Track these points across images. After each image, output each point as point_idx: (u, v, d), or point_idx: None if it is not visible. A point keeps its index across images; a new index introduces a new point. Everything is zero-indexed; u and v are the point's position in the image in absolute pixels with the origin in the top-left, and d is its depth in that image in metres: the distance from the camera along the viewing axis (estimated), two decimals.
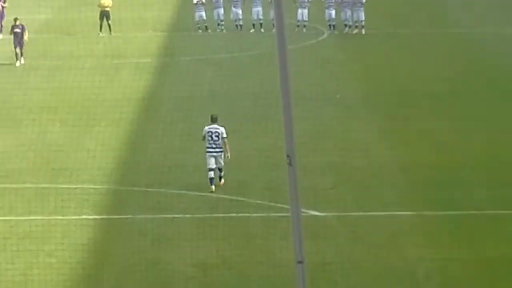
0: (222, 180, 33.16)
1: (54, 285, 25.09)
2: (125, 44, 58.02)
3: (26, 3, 63.85)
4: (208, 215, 30.62)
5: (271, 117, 37.28)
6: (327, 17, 60.58)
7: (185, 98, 44.96)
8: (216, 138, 32.69)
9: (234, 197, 31.91)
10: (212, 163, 32.60)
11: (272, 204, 30.53)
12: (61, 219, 30.18)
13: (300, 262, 11.19)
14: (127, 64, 52.99)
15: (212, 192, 32.26)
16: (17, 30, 50.33)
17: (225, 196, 31.98)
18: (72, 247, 28.21)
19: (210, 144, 32.78)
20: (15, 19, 51.88)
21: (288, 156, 11.05)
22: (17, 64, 49.76)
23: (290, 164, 11.07)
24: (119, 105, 43.74)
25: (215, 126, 33.05)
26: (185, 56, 55.53)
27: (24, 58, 51.19)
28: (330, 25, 60.82)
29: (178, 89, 47.35)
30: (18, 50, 50.21)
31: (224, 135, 32.84)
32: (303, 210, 11.27)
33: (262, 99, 42.04)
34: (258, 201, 31.36)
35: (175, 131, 39.58)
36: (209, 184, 32.68)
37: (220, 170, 33.06)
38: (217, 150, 32.78)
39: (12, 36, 50.86)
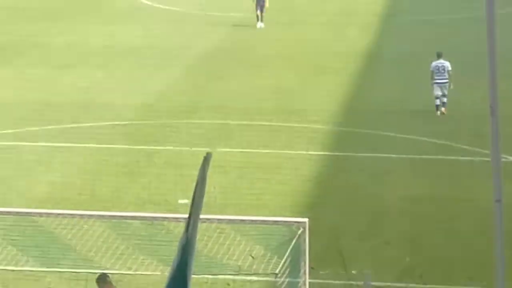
0: (443, 108, 34.69)
1: (285, 209, 25.27)
2: (354, 3, 57.96)
3: None
4: (418, 156, 30.43)
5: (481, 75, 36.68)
6: None
7: (405, 55, 44.61)
8: (443, 71, 34.89)
9: (443, 142, 31.65)
10: (438, 92, 34.69)
11: (478, 150, 30.05)
12: (291, 153, 30.45)
13: (498, 200, 11.01)
14: (355, 22, 52.92)
15: (441, 114, 34.50)
16: None
17: (436, 141, 31.75)
18: (300, 178, 28.45)
19: (437, 76, 34.95)
20: None
21: (491, 107, 10.85)
22: (258, 25, 49.98)
23: (492, 114, 10.87)
24: (345, 57, 43.89)
25: (441, 61, 35.31)
26: (407, 16, 54.96)
27: (264, 22, 50.57)
28: None
29: (398, 46, 46.99)
30: (259, 13, 50.24)
31: (449, 68, 35.07)
32: (503, 155, 11.18)
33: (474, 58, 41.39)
34: (465, 147, 30.99)
35: (394, 83, 39.45)
36: (435, 110, 34.57)
37: (444, 96, 34.70)
38: (443, 80, 34.79)
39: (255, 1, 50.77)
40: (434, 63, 35.29)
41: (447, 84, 34.86)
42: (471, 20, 49.65)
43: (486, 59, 10.34)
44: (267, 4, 50.09)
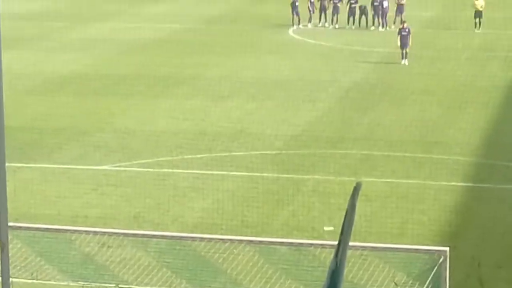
0: None
1: (426, 237, 25.05)
2: (497, 39, 57.24)
3: (412, 2, 63.69)
4: None
5: None
6: None
7: None
8: None
9: None
10: None
11: None
12: (433, 184, 30.19)
13: None
14: (497, 56, 52.26)
15: None
16: (404, 33, 49.83)
17: None
18: (441, 208, 28.17)
19: None
20: (403, 22, 51.49)
21: None
22: (402, 62, 49.44)
23: None
24: (487, 91, 43.35)
25: None
26: None
27: (408, 60, 49.40)
28: None
29: None
30: (403, 50, 49.65)
31: None
32: None
33: None
34: None
35: None
36: None
37: None
38: None
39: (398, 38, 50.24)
40: None
41: None
42: None
43: None
44: (410, 43, 49.39)
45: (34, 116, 38.67)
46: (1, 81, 12.24)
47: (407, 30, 49.67)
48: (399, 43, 49.62)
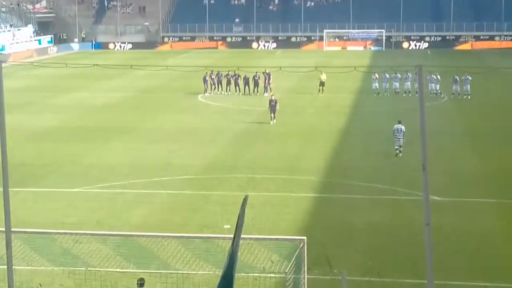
0: None
1: (290, 231, 25.00)
2: (332, 99, 57.87)
3: (278, 76, 63.96)
4: None
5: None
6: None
7: None
8: None
9: None
10: None
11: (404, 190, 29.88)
12: (295, 195, 30.20)
13: (427, 224, 10.85)
14: (333, 111, 52.82)
15: None
16: (273, 103, 46.52)
17: None
18: (295, 211, 28.16)
19: None
20: (272, 95, 50.98)
21: (423, 165, 10.76)
22: (271, 123, 49.00)
23: (423, 169, 10.78)
24: (328, 132, 43.67)
25: None
26: None
27: (275, 120, 49.90)
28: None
29: None
30: (272, 114, 46.30)
31: None
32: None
33: None
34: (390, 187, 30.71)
35: None
36: None
37: None
38: None
39: (269, 106, 50.10)
40: None
41: None
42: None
43: None
44: (277, 108, 46.90)
45: (27, 155, 37.77)
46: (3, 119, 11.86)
47: (275, 101, 47.26)
48: (269, 109, 47.23)
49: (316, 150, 39.10)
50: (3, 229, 12.27)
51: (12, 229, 12.07)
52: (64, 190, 31.26)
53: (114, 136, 43.65)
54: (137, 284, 17.08)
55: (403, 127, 36.99)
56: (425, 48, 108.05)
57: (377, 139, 41.93)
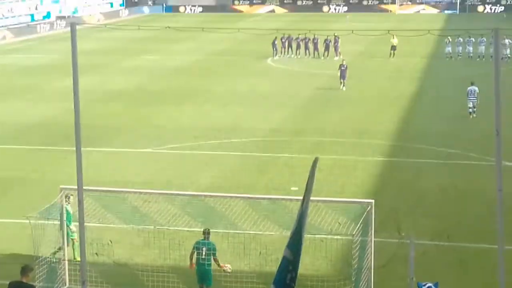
0: None
1: (358, 194, 24.84)
2: (404, 65, 57.00)
3: (347, 39, 63.31)
4: None
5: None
6: None
7: None
8: None
9: None
10: None
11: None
12: (362, 159, 29.97)
13: (500, 190, 10.60)
14: (404, 76, 52.02)
15: None
16: (343, 68, 47.85)
17: None
18: (362, 175, 27.93)
19: None
20: (342, 60, 50.35)
21: (496, 130, 10.50)
22: (341, 88, 47.86)
23: (497, 134, 10.51)
24: (398, 98, 43.05)
25: None
26: None
27: (345, 87, 49.20)
28: None
29: None
30: (343, 80, 46.12)
31: None
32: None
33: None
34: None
35: None
36: None
37: None
38: None
39: (339, 72, 49.38)
40: None
41: None
42: None
43: None
44: (347, 75, 45.69)
45: (99, 116, 38.36)
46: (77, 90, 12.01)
47: (345, 66, 46.54)
48: (339, 75, 46.28)
49: (386, 115, 38.64)
50: (76, 187, 12.48)
51: (84, 187, 12.28)
52: (134, 150, 31.71)
53: (184, 99, 43.98)
54: (203, 232, 17.28)
55: (476, 89, 36.94)
56: (501, 11, 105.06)
57: (450, 104, 41.16)
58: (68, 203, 19.21)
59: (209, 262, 17.21)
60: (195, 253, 17.29)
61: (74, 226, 19.34)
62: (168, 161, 30.10)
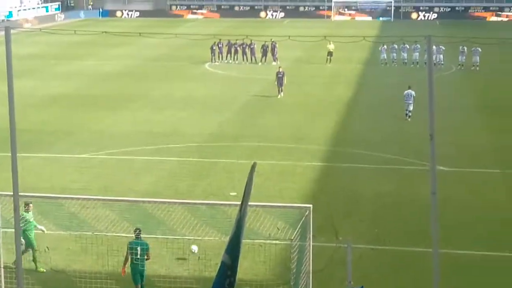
0: None
1: (296, 199, 25.05)
2: (340, 70, 57.64)
3: (283, 45, 63.71)
4: None
5: None
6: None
7: None
8: None
9: None
10: None
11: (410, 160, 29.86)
12: (300, 164, 30.21)
13: (433, 193, 10.86)
14: (341, 81, 52.62)
15: None
16: (280, 75, 47.97)
17: None
18: (300, 180, 28.17)
19: None
20: (279, 67, 49.56)
21: (430, 134, 10.76)
22: (278, 97, 48.78)
23: (431, 139, 10.76)
24: (334, 103, 43.51)
25: None
26: None
27: (283, 93, 49.70)
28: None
29: None
30: (280, 88, 46.38)
31: None
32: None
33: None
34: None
35: None
36: None
37: None
38: None
39: (276, 79, 49.49)
40: None
41: None
42: None
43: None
44: (285, 82, 45.53)
45: (35, 122, 37.82)
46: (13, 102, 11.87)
47: (282, 73, 46.01)
48: (276, 83, 45.91)
49: (323, 120, 39.05)
50: (12, 193, 12.32)
51: (20, 194, 12.12)
52: (71, 156, 31.35)
53: (122, 104, 43.65)
54: (134, 231, 17.21)
55: (413, 92, 38.00)
56: (434, 19, 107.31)
57: (385, 109, 41.83)
58: (28, 211, 18.65)
59: (143, 262, 17.24)
60: (130, 253, 17.24)
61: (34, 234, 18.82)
62: (106, 166, 29.85)
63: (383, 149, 32.49)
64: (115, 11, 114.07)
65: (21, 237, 17.92)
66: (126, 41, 70.69)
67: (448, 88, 47.85)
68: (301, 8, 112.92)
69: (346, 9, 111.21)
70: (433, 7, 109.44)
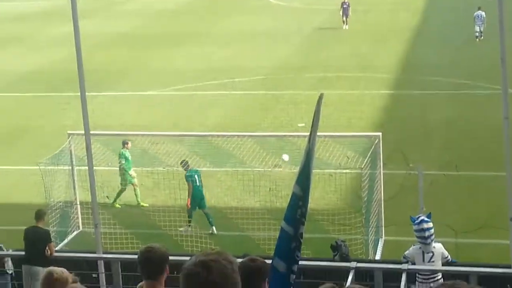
0: None
1: (365, 128, 24.92)
2: None
3: None
4: None
5: None
6: None
7: None
8: None
9: None
10: None
11: None
12: (368, 93, 29.98)
13: (506, 118, 10.65)
14: (403, 8, 51.49)
15: None
16: (345, 6, 47.23)
17: None
18: (368, 108, 28.04)
19: None
20: None
21: (501, 58, 10.51)
22: (343, 27, 46.35)
23: (502, 62, 10.49)
24: (404, 30, 42.72)
25: None
26: None
27: (348, 25, 48.80)
28: None
29: None
30: (345, 18, 44.34)
31: None
32: None
33: None
34: None
35: None
36: None
37: None
38: None
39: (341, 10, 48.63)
40: None
41: None
42: None
43: None
44: (350, 13, 44.50)
45: (101, 62, 38.21)
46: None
47: (347, 3, 45.09)
48: (341, 13, 45.07)
49: (389, 48, 38.47)
50: (83, 132, 12.60)
51: (91, 132, 12.38)
52: (138, 93, 31.76)
53: (184, 40, 43.74)
54: (184, 164, 17.71)
55: (483, 13, 37.18)
56: None
57: (454, 33, 40.90)
58: (127, 149, 19.33)
59: (202, 187, 18.00)
60: (191, 182, 17.76)
61: (133, 171, 19.50)
62: (173, 102, 30.17)
63: (453, 74, 31.92)
64: None
65: (123, 174, 18.69)
66: None
67: None
68: None
69: None
70: None
